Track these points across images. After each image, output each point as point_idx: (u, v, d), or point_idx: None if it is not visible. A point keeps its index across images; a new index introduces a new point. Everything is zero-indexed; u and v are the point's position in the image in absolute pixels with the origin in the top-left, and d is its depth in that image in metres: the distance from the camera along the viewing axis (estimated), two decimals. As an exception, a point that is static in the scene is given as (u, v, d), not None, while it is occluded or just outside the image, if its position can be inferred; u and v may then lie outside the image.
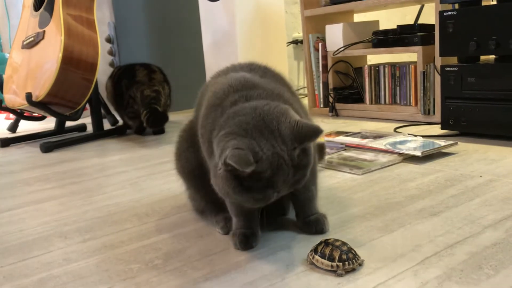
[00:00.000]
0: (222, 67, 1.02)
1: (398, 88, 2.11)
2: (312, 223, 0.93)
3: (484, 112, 1.58)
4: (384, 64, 2.18)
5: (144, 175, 1.52)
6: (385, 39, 2.12)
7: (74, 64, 2.00)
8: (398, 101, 2.12)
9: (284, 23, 2.64)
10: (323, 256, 0.78)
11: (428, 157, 1.42)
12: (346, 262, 0.76)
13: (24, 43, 2.19)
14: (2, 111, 2.74)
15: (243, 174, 0.73)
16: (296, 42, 3.05)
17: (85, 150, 2.02)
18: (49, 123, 2.72)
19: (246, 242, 0.88)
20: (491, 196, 1.07)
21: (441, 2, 1.70)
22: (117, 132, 2.34)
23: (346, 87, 2.37)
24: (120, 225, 1.08)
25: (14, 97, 2.15)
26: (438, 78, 1.86)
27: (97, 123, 2.32)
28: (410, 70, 2.04)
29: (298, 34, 3.04)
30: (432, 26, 1.97)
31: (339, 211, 1.04)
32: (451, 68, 1.65)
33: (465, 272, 0.74)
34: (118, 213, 1.17)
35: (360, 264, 0.78)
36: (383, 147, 1.49)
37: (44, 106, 2.02)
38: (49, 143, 2.06)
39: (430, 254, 0.81)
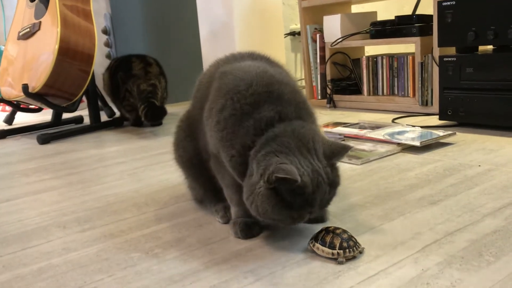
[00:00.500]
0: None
1: (396, 79, 2.11)
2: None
3: (482, 103, 1.58)
4: (382, 55, 2.17)
5: (142, 166, 1.51)
6: (383, 30, 2.11)
7: (71, 55, 1.98)
8: (396, 92, 2.12)
9: (281, 14, 2.63)
10: (323, 243, 0.78)
11: (427, 147, 1.42)
12: (347, 250, 0.76)
13: (20, 34, 2.17)
14: (-1, 103, 2.72)
15: (286, 190, 0.75)
16: (293, 33, 3.03)
17: (82, 142, 2.01)
18: (46, 115, 2.70)
19: (248, 230, 0.89)
20: (490, 185, 1.07)
21: (439, -8, 1.69)
22: (114, 124, 2.33)
23: (344, 79, 2.37)
24: (119, 215, 1.08)
25: (10, 90, 2.13)
26: (436, 69, 1.85)
27: (94, 115, 2.31)
28: (408, 61, 2.04)
29: (296, 26, 3.02)
30: (430, 16, 1.96)
31: (339, 200, 1.04)
32: (450, 59, 1.65)
33: (466, 259, 0.74)
34: (117, 203, 1.17)
35: (360, 252, 0.78)
36: (381, 137, 1.49)
37: (41, 97, 2.01)
38: (46, 134, 2.06)
39: (430, 242, 0.81)
